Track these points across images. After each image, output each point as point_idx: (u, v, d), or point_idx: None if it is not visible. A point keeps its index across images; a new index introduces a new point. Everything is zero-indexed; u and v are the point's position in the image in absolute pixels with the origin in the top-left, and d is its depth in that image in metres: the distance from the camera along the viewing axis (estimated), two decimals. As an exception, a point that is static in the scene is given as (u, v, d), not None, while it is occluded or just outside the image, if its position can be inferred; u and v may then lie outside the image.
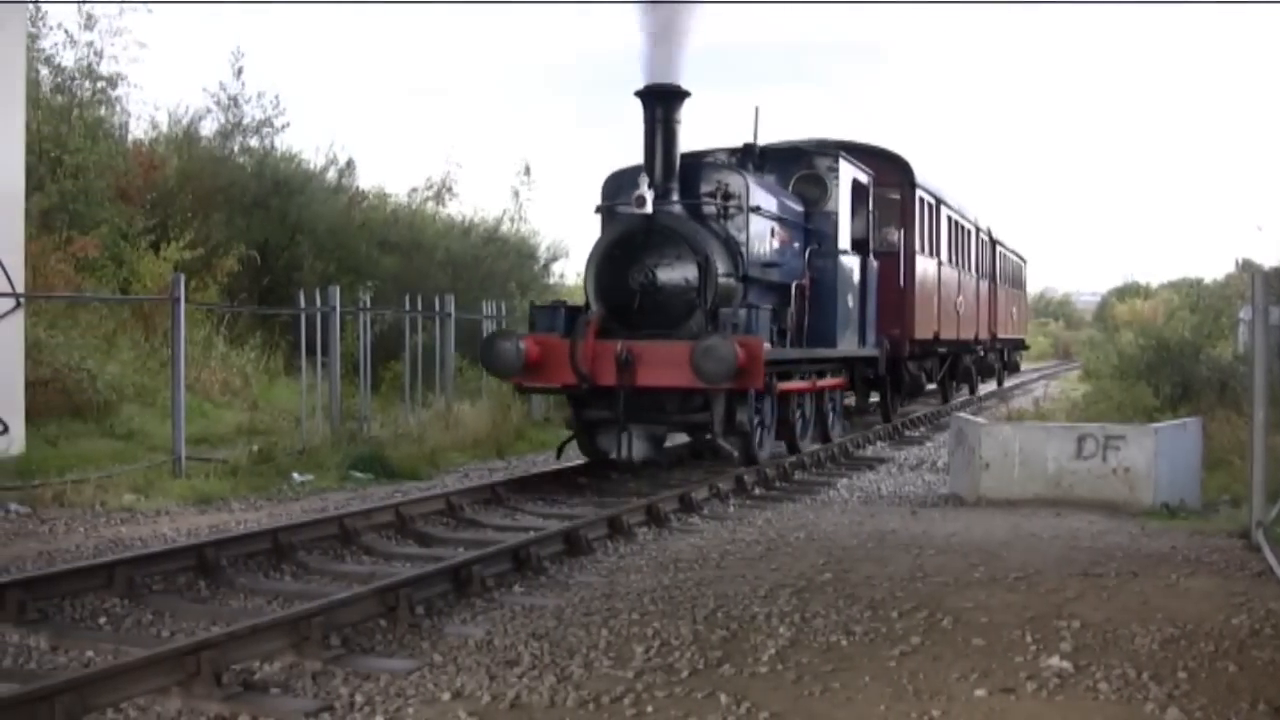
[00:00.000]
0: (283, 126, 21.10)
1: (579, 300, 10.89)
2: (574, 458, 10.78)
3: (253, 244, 18.47)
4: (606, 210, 11.07)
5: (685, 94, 10.23)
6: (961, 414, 11.43)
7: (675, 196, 10.33)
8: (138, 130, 19.91)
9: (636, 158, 10.44)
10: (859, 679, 4.70)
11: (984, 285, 22.49)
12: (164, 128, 20.39)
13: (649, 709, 4.38)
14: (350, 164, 22.59)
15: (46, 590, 5.78)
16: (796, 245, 11.96)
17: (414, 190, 24.32)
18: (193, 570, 6.54)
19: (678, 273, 10.05)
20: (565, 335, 9.89)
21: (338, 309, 12.77)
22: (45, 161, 15.42)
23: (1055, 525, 8.17)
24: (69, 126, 16.35)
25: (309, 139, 48.81)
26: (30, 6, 15.09)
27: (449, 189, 24.37)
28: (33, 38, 15.90)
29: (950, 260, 18.80)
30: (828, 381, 12.51)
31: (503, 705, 4.42)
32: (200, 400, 13.85)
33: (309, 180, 21.24)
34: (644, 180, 9.95)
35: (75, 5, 17.78)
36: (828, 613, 5.64)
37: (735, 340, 9.18)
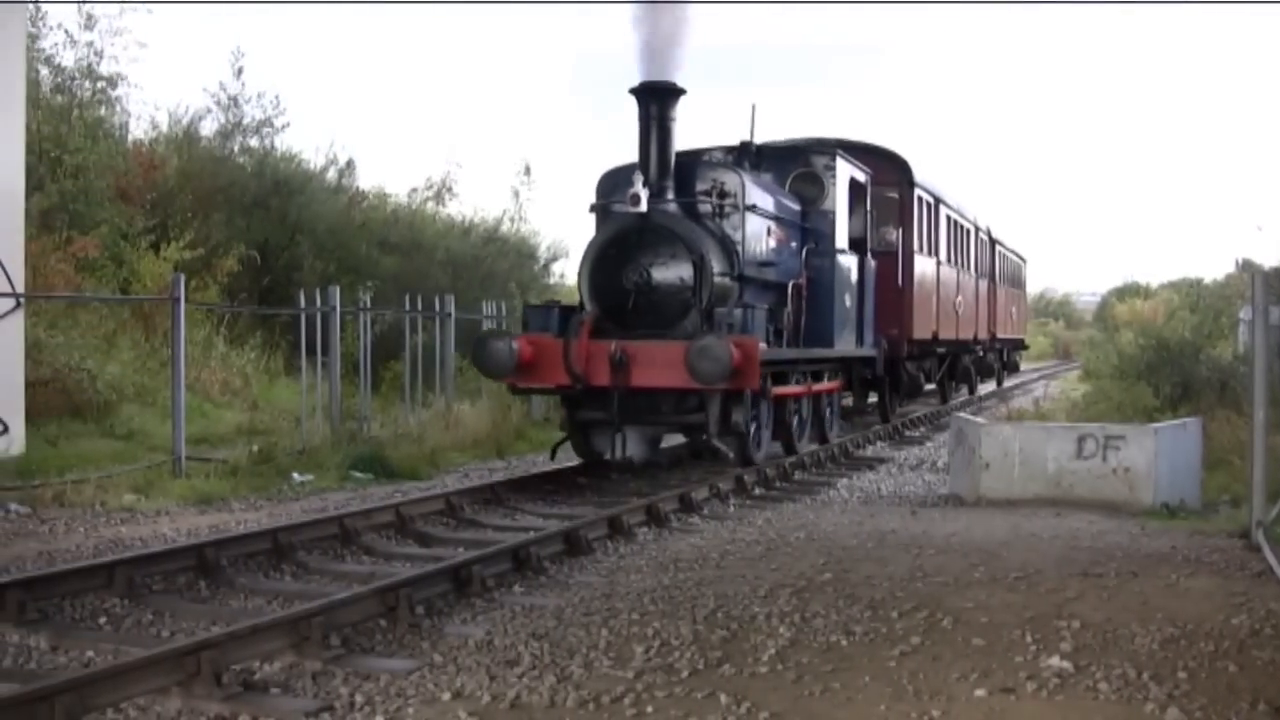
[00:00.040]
0: (283, 126, 21.15)
1: (578, 300, 10.81)
2: (572, 458, 10.77)
3: (253, 244, 18.48)
4: (601, 209, 11.00)
5: (680, 91, 10.16)
6: (961, 414, 11.43)
7: (670, 195, 10.26)
8: (138, 130, 19.96)
9: (634, 156, 10.37)
10: (859, 679, 4.70)
11: (983, 285, 22.43)
12: (164, 128, 20.43)
13: (649, 709, 4.38)
14: (350, 164, 22.64)
15: (46, 590, 5.78)
16: (793, 244, 11.87)
17: (414, 190, 24.37)
18: (193, 570, 6.54)
19: (673, 272, 9.96)
20: (559, 335, 9.80)
21: (338, 309, 12.77)
22: (45, 161, 15.42)
23: (1055, 525, 8.17)
24: (69, 126, 16.35)
25: (309, 139, 48.83)
26: (30, 6, 15.10)
27: (449, 189, 24.41)
28: (33, 38, 15.90)
29: (949, 260, 18.72)
30: (824, 385, 12.43)
31: (503, 705, 4.42)
32: (200, 400, 13.85)
33: (309, 180, 21.24)
34: (638, 178, 9.87)
35: (75, 5, 17.80)
36: (828, 613, 5.64)
37: (730, 340, 9.11)
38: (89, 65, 17.52)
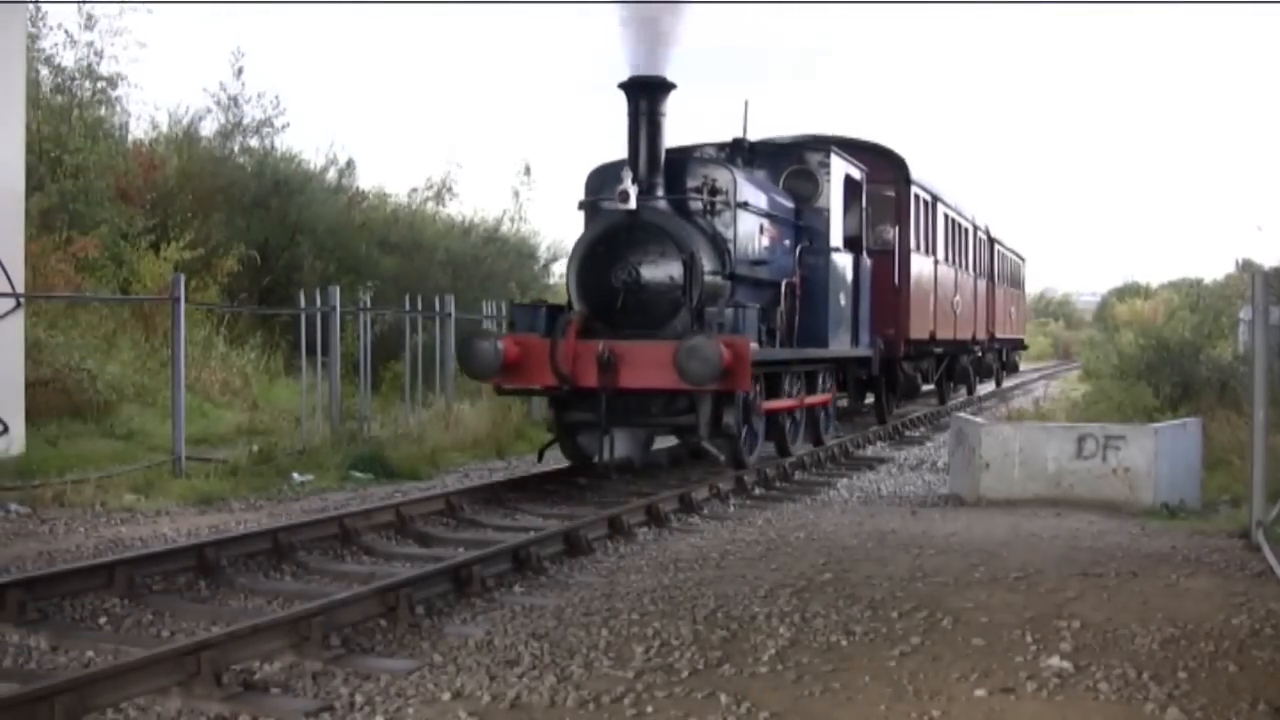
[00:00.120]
0: (283, 126, 21.17)
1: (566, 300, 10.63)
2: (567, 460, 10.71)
3: (253, 244, 18.49)
4: (590, 206, 10.78)
5: (670, 86, 9.98)
6: (961, 414, 11.43)
7: (660, 192, 10.06)
8: (138, 130, 19.98)
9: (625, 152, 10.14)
10: (859, 679, 4.70)
11: (982, 284, 22.33)
12: (164, 128, 20.46)
13: (649, 709, 4.38)
14: (350, 164, 22.67)
15: (46, 590, 5.78)
16: (787, 242, 11.67)
17: (414, 190, 24.41)
18: (193, 570, 6.54)
19: (662, 270, 9.77)
20: (546, 335, 9.60)
21: (338, 309, 12.77)
22: (45, 161, 15.43)
23: (1055, 525, 8.17)
24: (69, 126, 16.37)
25: (309, 139, 48.86)
26: (30, 6, 15.10)
27: (449, 189, 24.44)
28: (33, 38, 15.91)
29: (947, 259, 18.60)
30: (817, 398, 12.22)
31: (503, 705, 4.42)
32: (200, 400, 13.86)
33: (309, 180, 21.26)
34: (628, 175, 9.70)
35: (75, 5, 17.82)
36: (828, 613, 5.64)
37: (721, 340, 8.92)
38: (89, 65, 17.57)
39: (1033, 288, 54.99)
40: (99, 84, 17.91)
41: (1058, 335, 61.04)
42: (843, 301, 12.53)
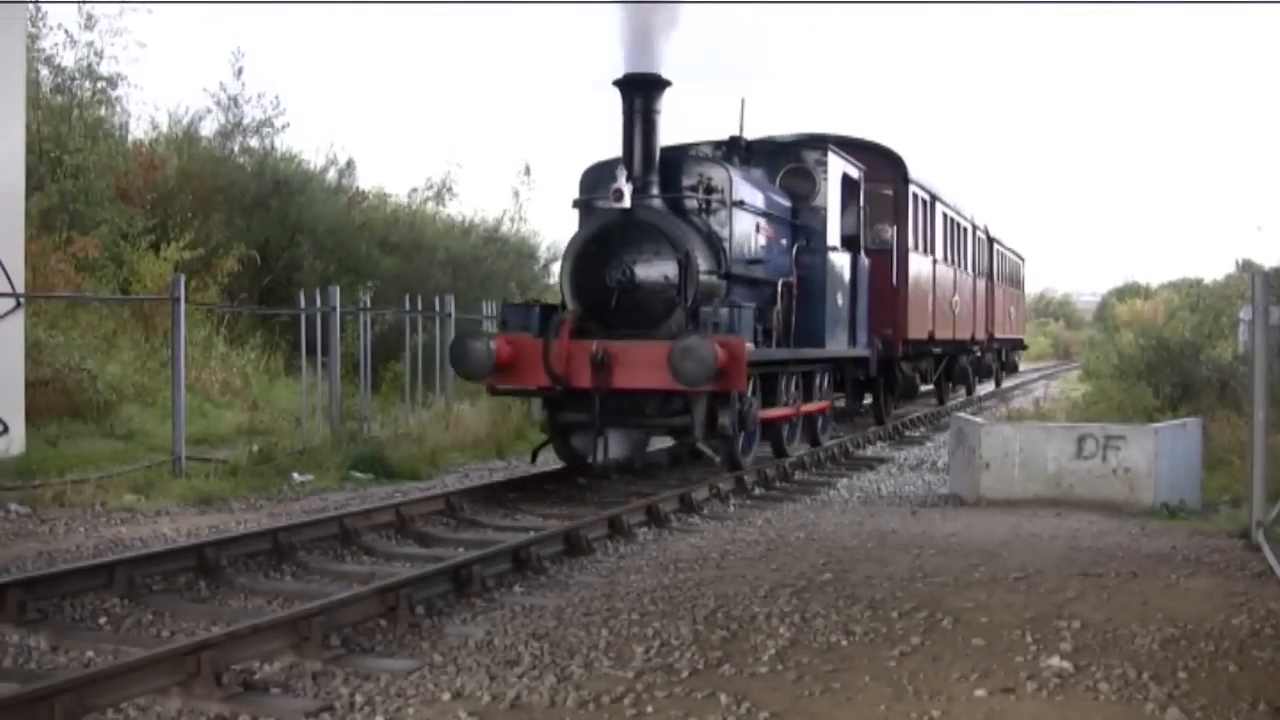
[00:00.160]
0: (283, 127, 21.20)
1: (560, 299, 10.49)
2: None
3: (253, 244, 18.50)
4: (584, 204, 10.64)
5: (665, 83, 9.86)
6: (961, 414, 11.42)
7: (655, 190, 9.95)
8: (138, 130, 20.00)
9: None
10: (859, 679, 4.70)
11: (981, 284, 22.27)
12: (164, 128, 20.48)
13: (649, 709, 4.38)
14: (350, 164, 22.70)
15: (46, 590, 5.78)
16: (783, 241, 11.55)
17: (414, 190, 24.44)
18: (193, 570, 6.54)
19: (657, 270, 9.68)
20: (540, 335, 9.48)
21: (338, 309, 12.77)
22: (45, 161, 15.44)
23: (1055, 525, 8.17)
24: (69, 126, 16.38)
25: (309, 139, 48.87)
26: (30, 6, 15.11)
27: (449, 189, 24.46)
28: (33, 38, 15.93)
29: (946, 258, 18.53)
30: (813, 406, 12.12)
31: (503, 705, 4.42)
32: (200, 400, 13.86)
33: (309, 180, 21.28)
34: (622, 173, 9.60)
35: (75, 5, 17.83)
36: (828, 613, 5.64)
37: (715, 340, 8.82)
38: (89, 65, 17.58)
39: (1033, 288, 55.04)
40: (99, 84, 17.94)
41: (1058, 335, 61.06)
42: (840, 301, 12.42)
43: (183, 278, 10.90)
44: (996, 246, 24.51)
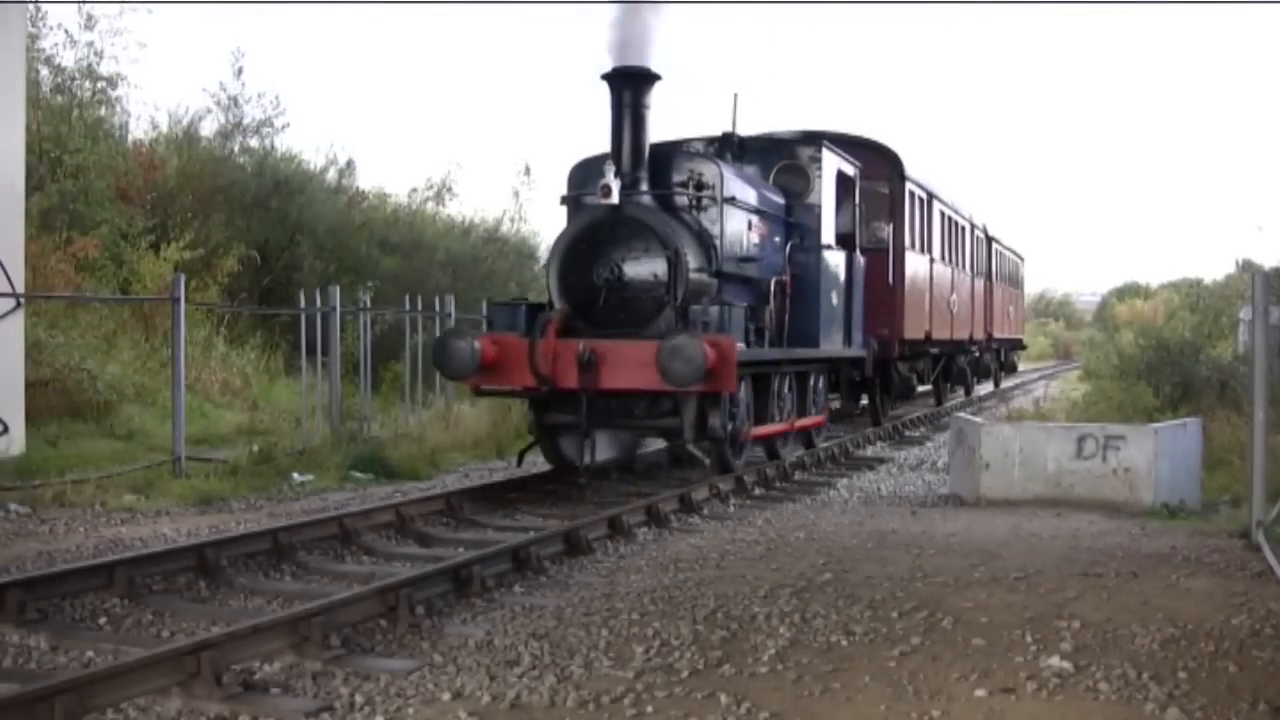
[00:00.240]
0: (283, 127, 21.19)
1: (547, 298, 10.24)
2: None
3: (253, 244, 18.50)
4: (572, 201, 10.41)
5: (655, 77, 9.66)
6: (961, 414, 11.42)
7: (644, 186, 9.72)
8: (138, 130, 19.99)
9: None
10: (859, 679, 4.70)
11: (979, 284, 22.16)
12: (164, 128, 20.48)
13: (649, 709, 4.38)
14: (350, 164, 22.70)
15: (46, 590, 5.78)
16: (777, 239, 11.31)
17: (414, 190, 24.42)
18: (193, 570, 6.54)
19: (645, 267, 9.46)
20: (526, 334, 9.28)
21: (338, 309, 12.77)
22: (45, 161, 15.44)
23: (1055, 525, 8.17)
24: (69, 126, 16.38)
25: (309, 139, 48.82)
26: (30, 6, 15.11)
27: (449, 189, 24.44)
28: (33, 38, 15.92)
29: (943, 257, 18.38)
30: (808, 420, 11.98)
31: (503, 705, 4.42)
32: (200, 400, 13.86)
33: (309, 180, 21.28)
34: (610, 169, 9.39)
35: (75, 5, 17.83)
36: (828, 613, 5.64)
37: (705, 340, 8.60)
38: (89, 65, 17.58)
39: (1032, 288, 55.06)
40: (99, 84, 17.94)
41: (1058, 335, 61.07)
42: (835, 300, 12.24)
43: (183, 278, 10.90)
44: (995, 245, 24.44)
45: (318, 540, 7.43)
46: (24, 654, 5.15)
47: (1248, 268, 26.52)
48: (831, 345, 12.15)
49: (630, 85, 9.59)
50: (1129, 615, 5.57)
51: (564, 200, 10.61)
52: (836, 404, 15.47)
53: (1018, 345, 30.33)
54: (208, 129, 20.78)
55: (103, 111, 18.21)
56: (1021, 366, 34.96)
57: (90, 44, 17.43)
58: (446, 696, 4.51)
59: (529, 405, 9.99)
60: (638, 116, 9.65)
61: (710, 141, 11.81)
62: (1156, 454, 8.94)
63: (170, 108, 28.64)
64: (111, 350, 13.84)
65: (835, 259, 12.27)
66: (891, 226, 15.61)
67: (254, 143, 21.11)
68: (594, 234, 9.61)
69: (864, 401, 16.50)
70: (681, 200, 10.05)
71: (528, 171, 25.75)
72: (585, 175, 10.31)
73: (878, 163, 15.24)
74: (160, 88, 50.56)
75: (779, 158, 12.00)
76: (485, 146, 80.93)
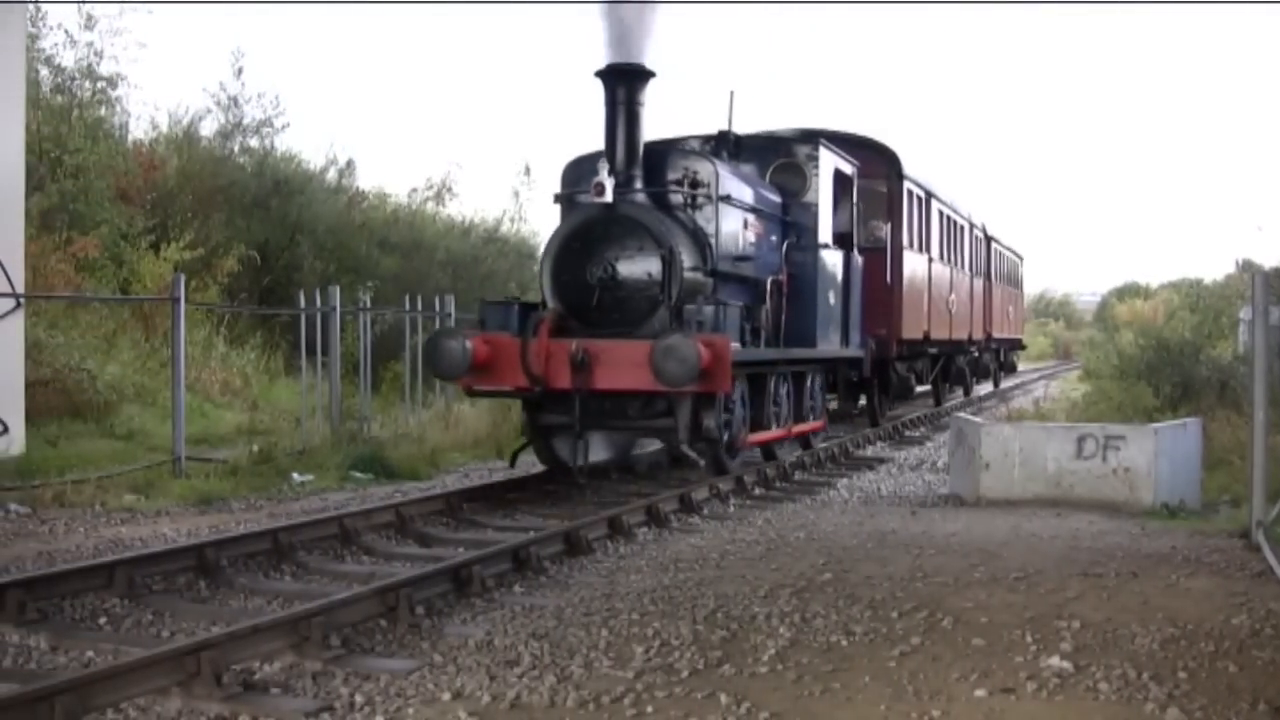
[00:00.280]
0: (283, 127, 21.20)
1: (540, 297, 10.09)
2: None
3: (253, 244, 18.50)
4: (565, 199, 10.34)
5: (649, 74, 9.52)
6: (961, 414, 11.41)
7: (639, 184, 9.60)
8: (138, 130, 20.01)
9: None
10: (859, 679, 4.70)
11: (978, 283, 22.09)
12: (164, 128, 20.49)
13: (649, 709, 4.38)
14: (350, 164, 22.71)
15: (46, 590, 5.78)
16: (773, 238, 11.18)
17: (414, 190, 24.44)
18: (193, 570, 6.54)
19: (639, 266, 9.36)
20: (519, 334, 9.13)
21: (338, 309, 12.77)
22: (45, 161, 15.45)
23: (1055, 525, 8.17)
24: (69, 126, 16.39)
25: (309, 139, 48.81)
26: (30, 6, 15.11)
27: (449, 189, 24.46)
28: (33, 38, 15.93)
29: (941, 257, 18.30)
30: (805, 426, 11.88)
31: (503, 705, 4.42)
32: (200, 400, 13.87)
33: (309, 180, 21.29)
34: (604, 166, 9.32)
35: (75, 5, 17.84)
36: (828, 613, 5.64)
37: (699, 339, 8.49)
38: (89, 65, 17.59)
39: (1032, 288, 55.13)
40: (99, 84, 17.95)
41: (1058, 335, 61.07)
42: (832, 300, 12.11)
43: (183, 278, 10.90)
44: (994, 245, 24.38)
45: (318, 540, 7.43)
46: (24, 654, 5.15)
47: (1248, 268, 26.52)
48: (829, 345, 12.04)
49: (624, 82, 9.48)
50: (1129, 615, 5.57)
51: (557, 198, 10.52)
52: (834, 404, 15.37)
53: (1017, 345, 30.29)
54: (208, 129, 20.83)
55: (103, 111, 18.22)
56: (1021, 366, 34.97)
57: (90, 44, 17.48)
58: (446, 696, 4.51)
59: (522, 406, 9.90)
60: (632, 113, 9.53)
61: (706, 139, 11.68)
62: (1156, 454, 8.94)
63: (170, 108, 28.71)
64: (111, 350, 13.85)
65: (832, 258, 12.17)
66: (889, 226, 15.51)
67: (254, 143, 21.15)
68: (587, 232, 9.52)
69: (862, 402, 16.41)
70: (676, 198, 9.94)
71: (528, 171, 25.82)
72: (579, 173, 10.22)
73: (876, 161, 15.14)
74: (160, 88, 50.62)
75: (776, 156, 11.88)
76: (485, 146, 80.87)
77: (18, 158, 10.88)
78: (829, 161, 12.04)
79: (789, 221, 11.54)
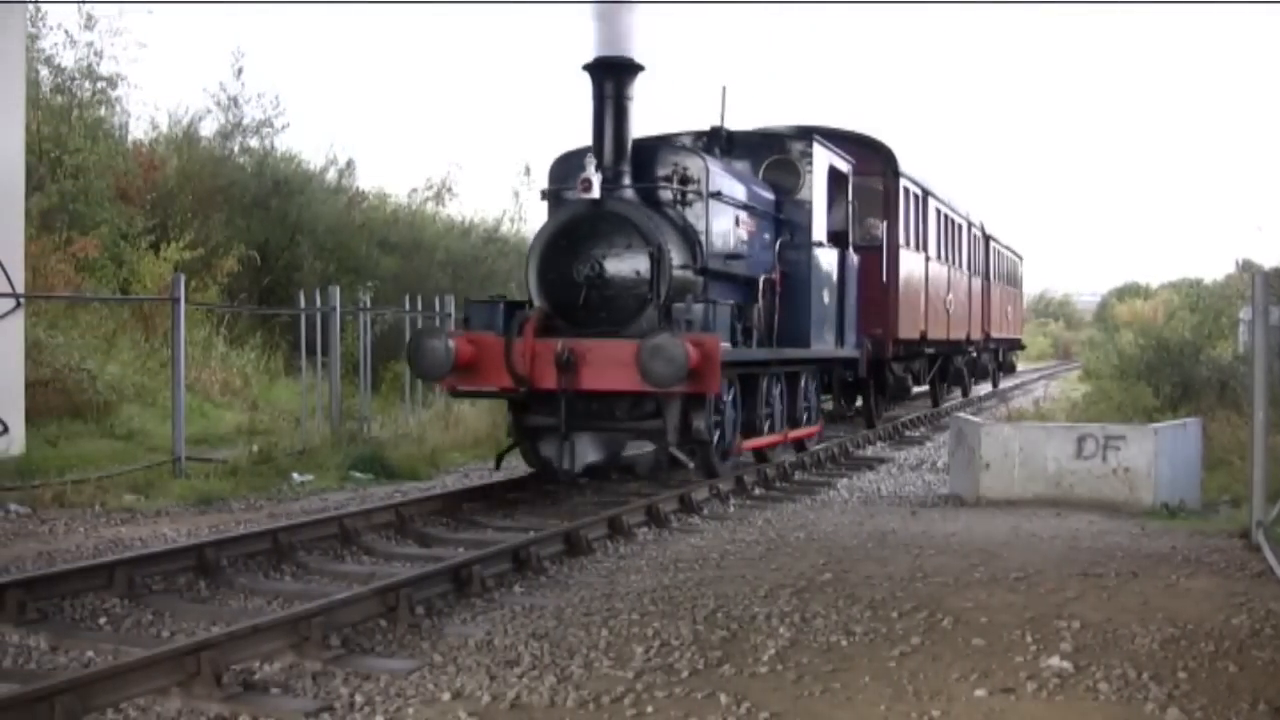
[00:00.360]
0: (283, 127, 21.17)
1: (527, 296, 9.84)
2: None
3: (253, 244, 18.50)
4: (553, 195, 10.11)
5: (638, 67, 9.35)
6: (961, 414, 11.41)
7: (627, 180, 9.42)
8: (138, 130, 19.99)
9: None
10: (859, 679, 4.70)
11: (976, 283, 21.98)
12: (164, 128, 20.47)
13: (649, 709, 4.38)
14: (350, 164, 22.69)
15: (46, 590, 5.78)
16: (766, 236, 10.96)
17: (414, 190, 24.41)
18: (193, 570, 6.54)
19: (627, 264, 9.18)
20: (504, 333, 8.96)
21: (338, 309, 12.77)
22: (45, 161, 15.44)
23: (1055, 525, 8.17)
24: (69, 126, 16.38)
25: (309, 139, 48.80)
26: (30, 6, 15.11)
27: (449, 189, 24.43)
28: (33, 38, 15.93)
29: (939, 255, 18.20)
30: (800, 432, 11.77)
31: (503, 705, 4.42)
32: (200, 400, 13.86)
33: (309, 180, 21.28)
34: (591, 162, 9.11)
35: (75, 5, 17.84)
36: (828, 613, 5.64)
37: (687, 339, 8.30)
38: (89, 65, 17.58)
39: (1032, 288, 55.15)
40: (99, 84, 17.94)
41: (1057, 335, 61.04)
42: (826, 299, 11.88)
43: (183, 278, 10.90)
44: (993, 244, 24.30)
45: (318, 540, 7.43)
46: (24, 654, 5.15)
47: (1248, 268, 26.52)
48: (823, 345, 11.87)
49: (612, 76, 9.30)
50: (1129, 615, 5.57)
51: (544, 195, 10.35)
52: (829, 405, 15.27)
53: (1016, 345, 30.20)
54: (208, 129, 20.81)
55: (103, 111, 18.22)
56: (1021, 367, 34.95)
57: (90, 44, 17.47)
58: (446, 696, 4.51)
59: (508, 407, 9.72)
60: (620, 108, 9.35)
61: (698, 136, 11.47)
62: (1156, 454, 8.94)
63: (170, 108, 28.67)
64: (111, 350, 13.85)
65: (827, 257, 11.97)
66: (886, 224, 15.39)
67: (254, 143, 21.13)
68: (574, 229, 9.33)
69: (858, 404, 16.33)
70: (665, 195, 9.76)
71: (528, 172, 25.73)
72: (566, 169, 9.96)
73: (871, 159, 15.05)
74: (160, 88, 50.54)
75: (769, 153, 11.67)
76: (485, 146, 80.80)
77: (18, 158, 10.88)
78: (823, 158, 11.86)
79: (782, 219, 11.36)
